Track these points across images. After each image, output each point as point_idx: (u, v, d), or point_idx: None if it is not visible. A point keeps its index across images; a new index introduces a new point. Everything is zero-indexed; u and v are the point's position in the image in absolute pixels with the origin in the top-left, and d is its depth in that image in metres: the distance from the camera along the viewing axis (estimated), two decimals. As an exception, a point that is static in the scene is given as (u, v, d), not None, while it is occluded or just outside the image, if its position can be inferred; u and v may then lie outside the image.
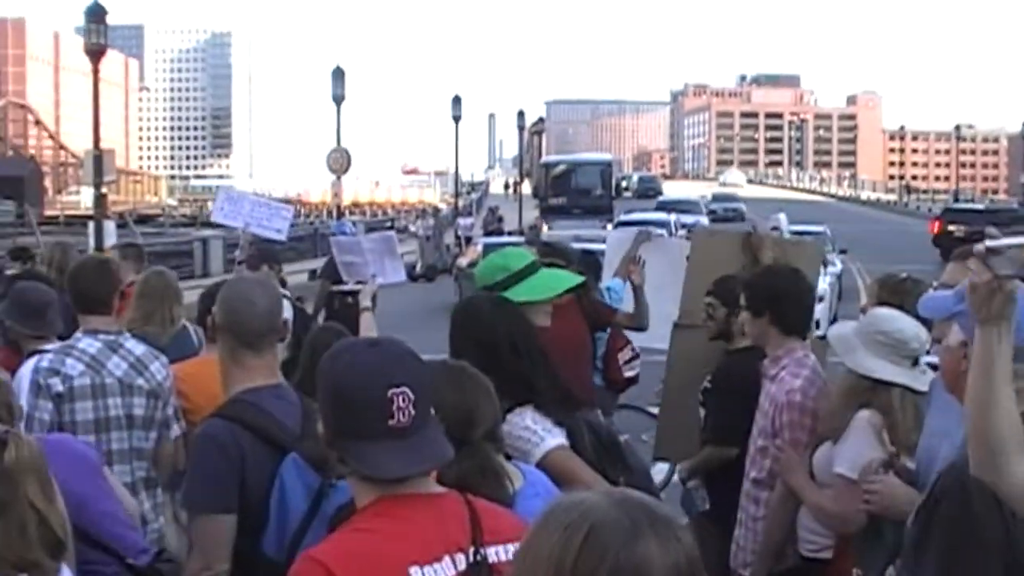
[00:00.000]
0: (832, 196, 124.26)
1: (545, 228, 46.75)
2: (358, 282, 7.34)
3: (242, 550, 4.09)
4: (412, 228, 51.31)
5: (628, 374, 10.07)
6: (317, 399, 3.26)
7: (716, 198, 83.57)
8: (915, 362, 5.16)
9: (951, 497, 3.39)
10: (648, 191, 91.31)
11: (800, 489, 5.42)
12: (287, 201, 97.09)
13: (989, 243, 3.08)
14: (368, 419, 3.09)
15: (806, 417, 5.50)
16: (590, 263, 10.05)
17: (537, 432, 4.51)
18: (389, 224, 60.29)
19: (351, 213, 75.88)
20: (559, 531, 2.11)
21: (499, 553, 3.07)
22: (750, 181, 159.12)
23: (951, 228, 47.58)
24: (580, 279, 5.91)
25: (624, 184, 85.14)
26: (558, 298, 5.43)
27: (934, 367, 5.33)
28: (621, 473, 4.79)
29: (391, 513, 3.06)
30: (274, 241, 13.64)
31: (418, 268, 42.44)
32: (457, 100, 64.93)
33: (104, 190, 32.87)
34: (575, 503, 2.17)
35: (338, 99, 47.41)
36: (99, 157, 30.97)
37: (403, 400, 3.09)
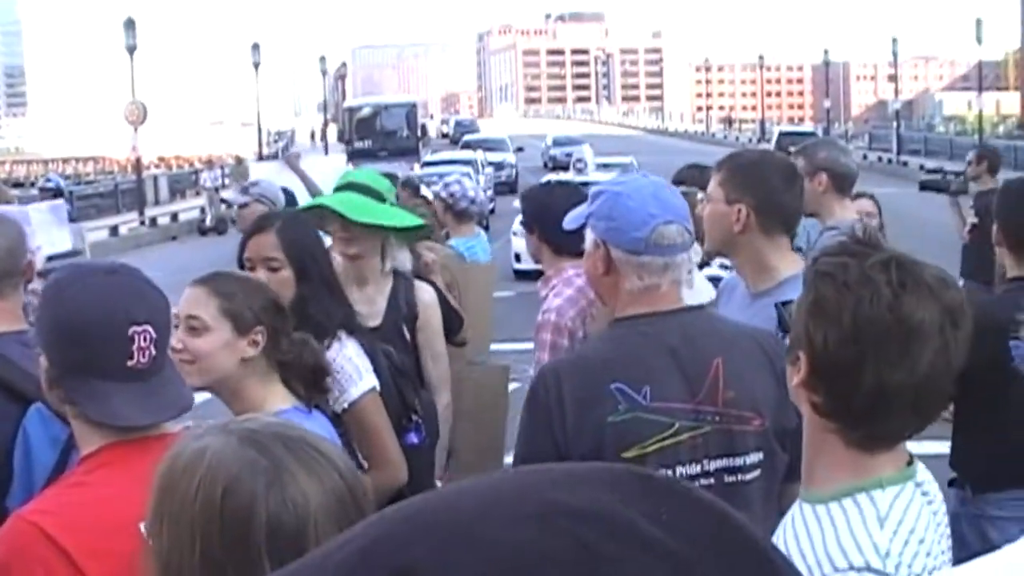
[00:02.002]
0: (641, 129, 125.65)
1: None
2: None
3: None
4: (201, 180, 50.31)
5: None
6: (38, 331, 2.91)
7: (557, 142, 73.81)
8: None
9: None
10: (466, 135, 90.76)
11: None
12: (90, 159, 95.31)
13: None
14: (104, 357, 2.78)
15: (561, 337, 5.27)
16: None
17: (358, 368, 4.49)
18: (193, 176, 59.09)
19: (156, 167, 74.40)
20: (191, 494, 1.89)
21: None
22: (557, 117, 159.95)
23: (790, 149, 49.89)
24: (408, 223, 5.63)
25: (443, 130, 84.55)
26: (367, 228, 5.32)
27: (715, 280, 5.22)
28: (415, 395, 5.12)
29: (119, 462, 2.75)
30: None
31: (207, 221, 41.75)
32: (256, 47, 64.04)
33: None
34: (197, 454, 1.92)
35: (131, 49, 46.49)
36: None
37: (144, 339, 2.81)
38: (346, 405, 4.48)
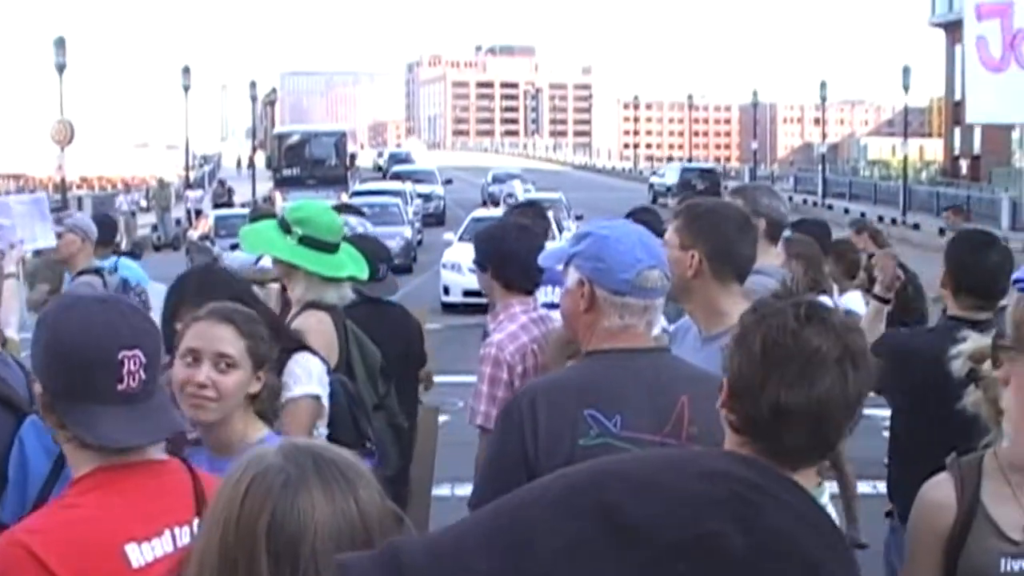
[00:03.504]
0: (569, 164, 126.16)
1: (279, 199, 46.17)
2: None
3: None
4: (116, 203, 49.90)
5: None
6: (33, 357, 2.98)
7: (497, 178, 68.35)
8: None
9: None
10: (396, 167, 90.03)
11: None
12: (12, 176, 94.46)
13: None
14: (95, 382, 2.87)
15: (500, 370, 5.55)
16: None
17: (309, 374, 4.75)
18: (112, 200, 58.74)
19: (79, 188, 73.79)
20: (228, 487, 2.07)
21: None
22: (485, 150, 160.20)
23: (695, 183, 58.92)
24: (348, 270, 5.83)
25: (379, 163, 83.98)
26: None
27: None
28: (369, 425, 5.39)
29: (109, 485, 2.84)
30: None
31: (123, 245, 41.43)
32: (187, 70, 63.60)
33: None
34: (247, 457, 2.14)
35: (60, 68, 46.23)
36: None
37: (134, 363, 2.91)
38: (283, 400, 4.56)
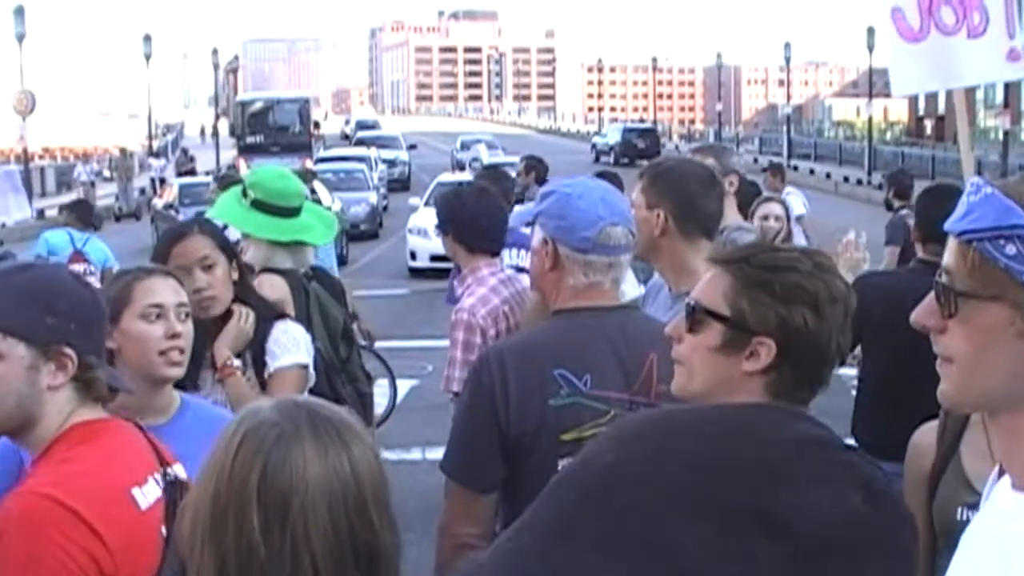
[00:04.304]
0: (533, 128, 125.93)
1: (243, 166, 45.95)
2: None
3: None
4: (75, 173, 49.39)
5: None
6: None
7: (465, 145, 65.69)
8: None
9: None
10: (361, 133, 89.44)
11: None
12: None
13: None
14: (103, 337, 2.95)
15: (472, 335, 5.51)
16: None
17: (297, 343, 4.78)
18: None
19: (41, 158, 73.31)
20: (223, 440, 2.08)
21: (178, 472, 2.94)
22: (449, 115, 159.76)
23: (635, 142, 69.58)
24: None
25: (345, 131, 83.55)
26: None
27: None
28: (343, 387, 5.52)
29: (92, 438, 2.82)
30: None
31: None
32: (148, 38, 63.19)
33: None
34: (243, 411, 2.16)
35: (20, 37, 45.80)
36: None
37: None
38: (271, 370, 4.71)
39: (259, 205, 5.57)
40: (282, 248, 5.60)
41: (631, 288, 5.20)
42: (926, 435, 3.61)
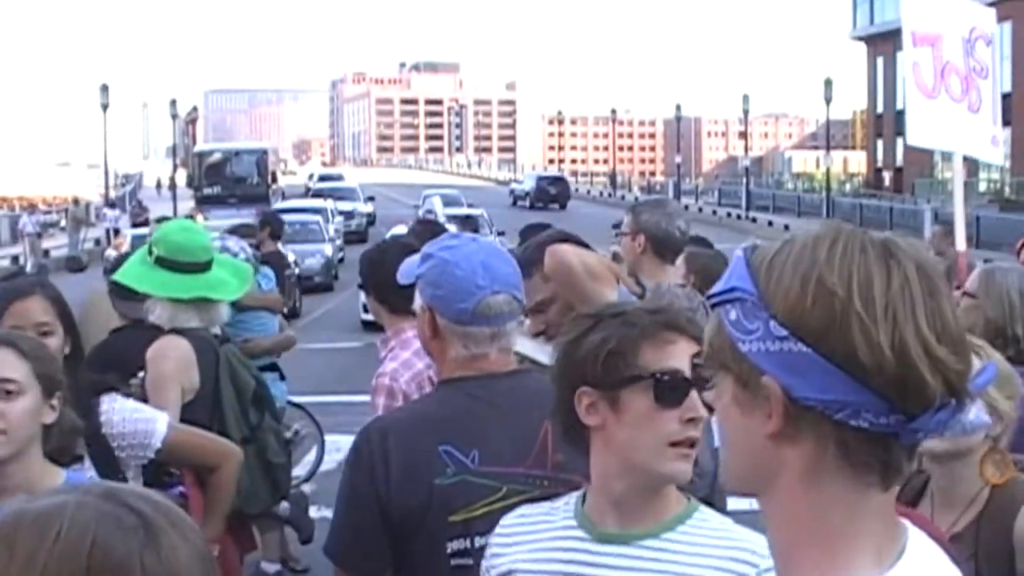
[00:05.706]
0: (493, 180, 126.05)
1: (201, 218, 45.62)
2: None
3: None
4: (20, 224, 48.79)
5: None
6: None
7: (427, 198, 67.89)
8: None
9: None
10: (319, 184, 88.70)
11: None
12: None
13: None
14: None
15: (394, 401, 5.17)
16: None
17: (145, 414, 4.45)
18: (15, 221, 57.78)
19: (-2, 209, 72.87)
20: (44, 547, 1.59)
21: None
22: (410, 167, 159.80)
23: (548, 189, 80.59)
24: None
25: (308, 185, 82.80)
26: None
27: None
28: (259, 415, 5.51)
29: None
30: None
31: (28, 267, 40.46)
32: (105, 88, 62.86)
33: None
34: (52, 507, 1.64)
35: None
36: None
37: None
38: (159, 447, 4.39)
39: (163, 262, 5.35)
40: (187, 306, 5.34)
41: (527, 346, 4.90)
42: None
